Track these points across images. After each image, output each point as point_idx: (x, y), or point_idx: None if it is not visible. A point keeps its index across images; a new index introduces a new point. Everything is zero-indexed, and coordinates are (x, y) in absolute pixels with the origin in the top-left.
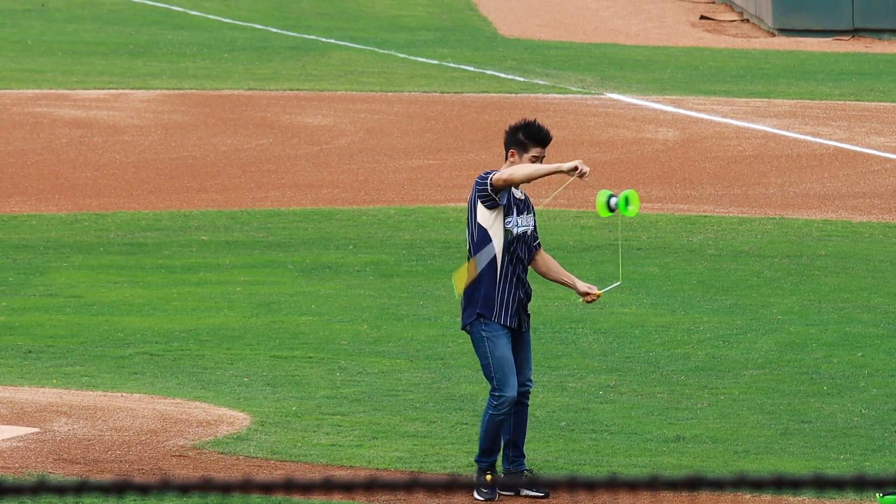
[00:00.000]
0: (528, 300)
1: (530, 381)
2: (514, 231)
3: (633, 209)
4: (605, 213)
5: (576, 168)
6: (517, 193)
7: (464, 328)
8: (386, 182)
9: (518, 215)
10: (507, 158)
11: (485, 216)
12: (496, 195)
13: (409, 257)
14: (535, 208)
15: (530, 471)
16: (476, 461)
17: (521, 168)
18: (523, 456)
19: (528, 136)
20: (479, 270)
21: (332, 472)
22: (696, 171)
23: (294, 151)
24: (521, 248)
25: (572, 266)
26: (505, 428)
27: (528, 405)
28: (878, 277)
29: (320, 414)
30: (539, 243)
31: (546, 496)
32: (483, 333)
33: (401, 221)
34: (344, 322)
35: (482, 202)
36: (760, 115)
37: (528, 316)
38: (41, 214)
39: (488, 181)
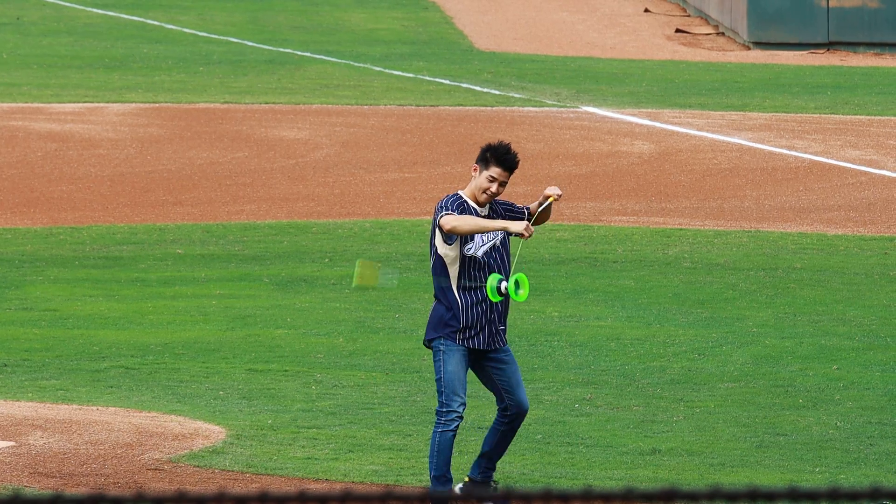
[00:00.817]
0: (505, 315)
1: (526, 402)
2: (478, 254)
3: (522, 293)
4: (496, 298)
5: (522, 233)
6: (480, 210)
7: (426, 344)
8: (362, 195)
9: (481, 234)
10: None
11: (442, 244)
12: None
13: (385, 270)
14: None
15: (496, 482)
16: (430, 494)
17: (466, 221)
18: (494, 469)
19: (492, 154)
20: (379, 283)
21: (308, 486)
22: (672, 184)
23: (270, 165)
24: (495, 257)
25: (548, 279)
26: (487, 440)
27: (518, 427)
28: (853, 290)
29: (296, 427)
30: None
31: None
32: (441, 348)
33: (376, 234)
34: (319, 335)
35: (439, 230)
36: (736, 129)
37: (503, 330)
38: (16, 228)
39: (438, 220)
